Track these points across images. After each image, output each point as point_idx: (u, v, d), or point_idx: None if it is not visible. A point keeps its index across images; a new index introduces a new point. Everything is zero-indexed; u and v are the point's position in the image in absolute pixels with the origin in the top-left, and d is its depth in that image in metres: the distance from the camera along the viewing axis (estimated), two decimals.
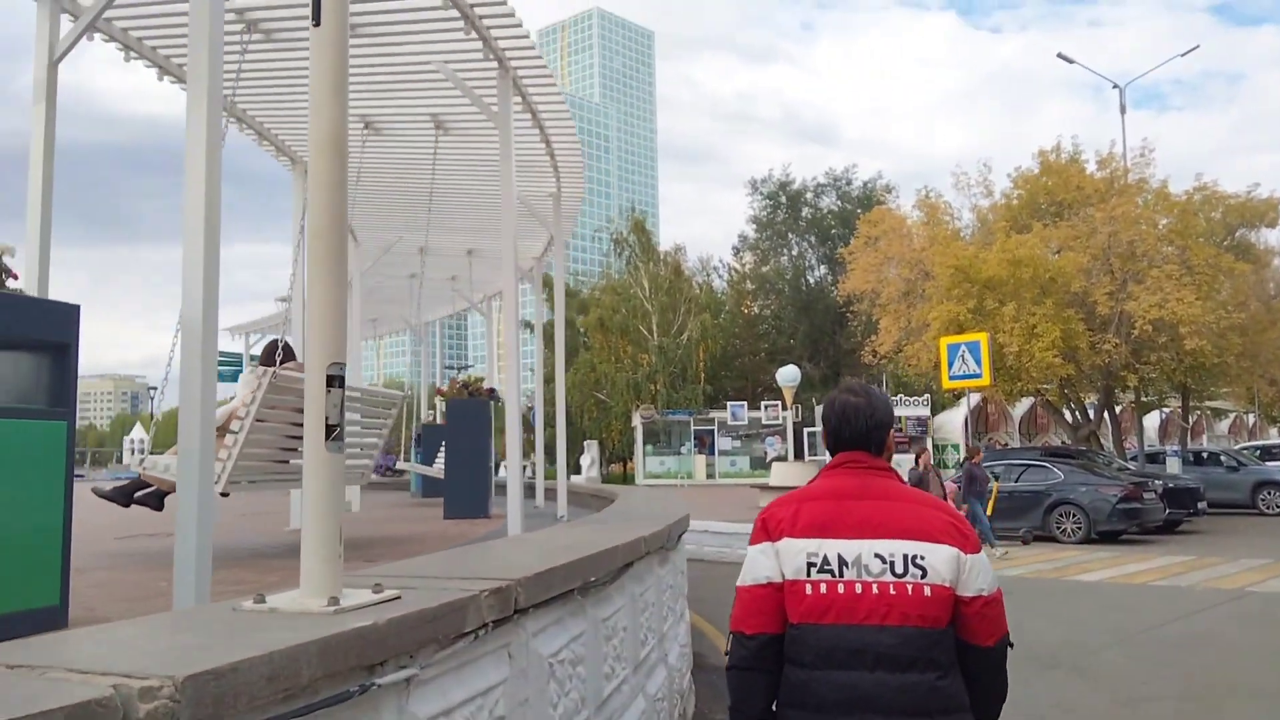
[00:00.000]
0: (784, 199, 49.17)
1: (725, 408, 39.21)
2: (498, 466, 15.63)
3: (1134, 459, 25.67)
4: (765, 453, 39.29)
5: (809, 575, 2.14)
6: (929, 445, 32.39)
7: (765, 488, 23.34)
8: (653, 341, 40.93)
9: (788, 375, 40.02)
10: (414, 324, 22.05)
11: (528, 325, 47.73)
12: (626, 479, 40.66)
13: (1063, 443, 28.91)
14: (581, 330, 42.48)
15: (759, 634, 2.20)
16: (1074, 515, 17.16)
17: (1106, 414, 26.06)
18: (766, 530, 2.24)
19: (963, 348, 17.76)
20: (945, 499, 14.61)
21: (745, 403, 39.70)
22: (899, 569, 2.11)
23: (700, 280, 49.14)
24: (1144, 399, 27.51)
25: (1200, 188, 24.16)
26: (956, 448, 39.65)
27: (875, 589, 2.10)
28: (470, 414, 13.33)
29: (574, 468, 43.21)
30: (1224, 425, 50.62)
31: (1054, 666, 7.43)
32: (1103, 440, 28.27)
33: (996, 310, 20.45)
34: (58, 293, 6.76)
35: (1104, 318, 21.45)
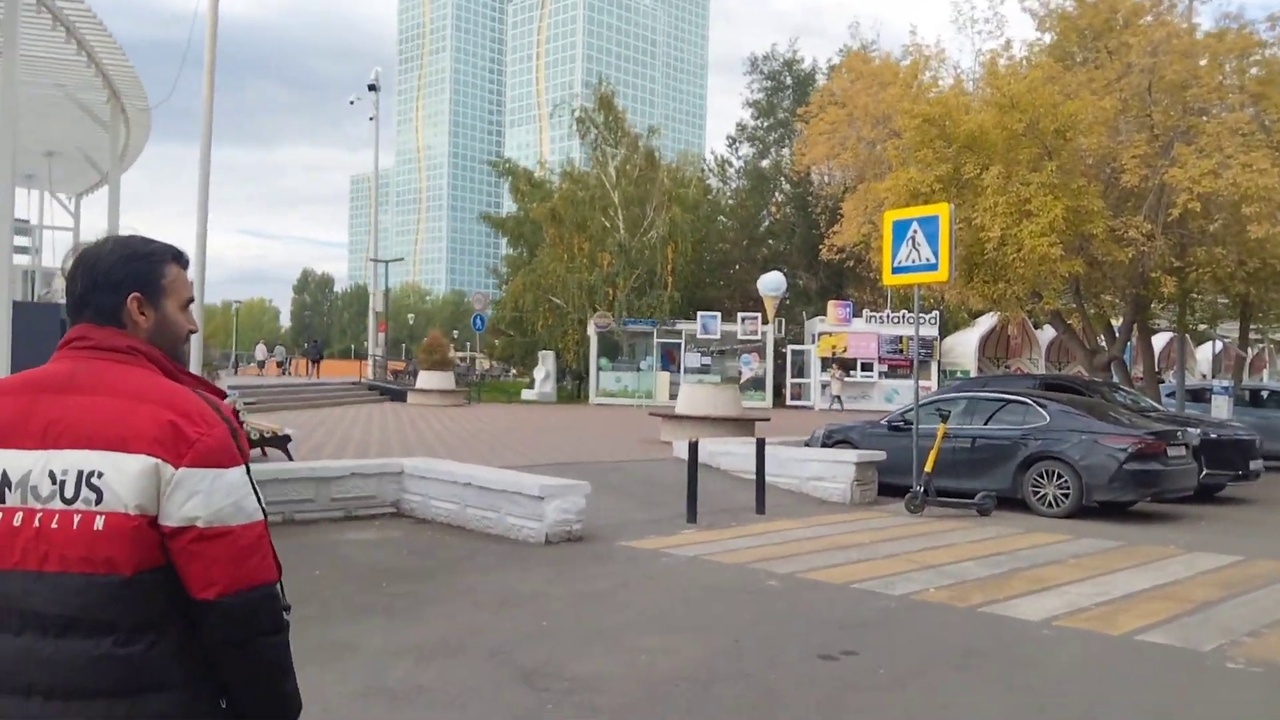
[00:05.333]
0: (789, 80, 42.44)
1: (696, 318, 33.53)
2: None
3: (1171, 396, 19.72)
4: (739, 372, 33.71)
5: None
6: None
7: (664, 416, 17.91)
8: (616, 238, 35.05)
9: (770, 283, 34.13)
10: None
11: (487, 219, 42.14)
12: (581, 397, 35.33)
13: (1078, 374, 22.88)
14: (540, 225, 36.68)
15: None
16: (1059, 476, 11.52)
17: (1136, 334, 19.85)
18: None
19: (914, 226, 11.98)
20: None
21: (719, 314, 33.97)
22: (69, 492, 1.53)
23: (691, 173, 42.88)
24: (1190, 319, 21.19)
25: None
26: (965, 373, 33.74)
27: (38, 520, 1.53)
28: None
29: (529, 382, 38.18)
30: None
31: None
32: (1131, 373, 22.21)
33: (976, 180, 14.38)
34: None
35: (1133, 192, 15.24)
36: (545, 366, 35.23)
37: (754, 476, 11.43)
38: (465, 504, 9.72)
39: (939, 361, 34.59)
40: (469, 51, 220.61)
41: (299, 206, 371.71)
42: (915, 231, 11.89)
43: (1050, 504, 11.49)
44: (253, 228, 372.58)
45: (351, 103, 41.29)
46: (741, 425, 16.60)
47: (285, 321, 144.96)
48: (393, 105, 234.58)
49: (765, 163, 42.92)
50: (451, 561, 8.03)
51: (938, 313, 34.04)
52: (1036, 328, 37.38)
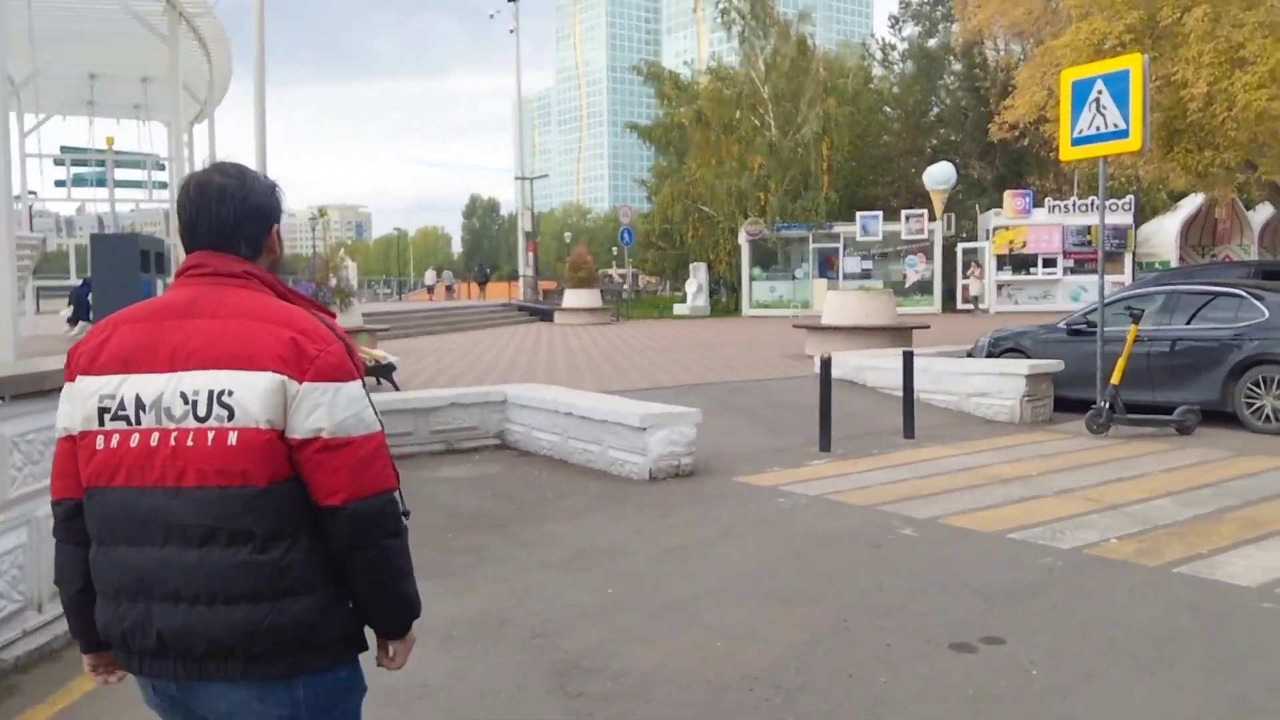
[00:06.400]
0: None
1: (855, 220, 31.33)
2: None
3: None
4: (904, 275, 31.41)
5: (102, 424, 1.68)
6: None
7: (809, 327, 16.38)
8: (767, 138, 32.92)
9: (938, 175, 31.33)
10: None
11: (634, 127, 40.74)
12: (735, 309, 33.92)
13: None
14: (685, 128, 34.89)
15: (64, 499, 1.77)
16: None
17: None
18: (68, 367, 1.76)
19: (1097, 85, 9.95)
20: None
21: (880, 214, 31.60)
22: (202, 411, 1.63)
23: (850, 62, 39.85)
24: None
25: None
26: (1165, 265, 30.17)
27: (174, 439, 1.64)
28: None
29: (680, 296, 37.01)
30: None
31: None
32: None
33: (1176, 26, 11.85)
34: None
35: None
36: (697, 279, 33.99)
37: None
38: (567, 435, 8.75)
39: (1133, 253, 31.09)
40: None
41: (468, 134, 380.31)
42: (1100, 92, 9.86)
43: (1269, 418, 9.48)
44: (426, 158, 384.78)
45: (491, 16, 40.49)
46: (897, 335, 14.95)
47: (457, 247, 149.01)
48: (550, 24, 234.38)
49: (932, 42, 39.33)
50: (536, 505, 7.07)
51: (1131, 197, 30.46)
52: (1248, 207, 32.93)
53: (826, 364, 9.23)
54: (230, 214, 1.75)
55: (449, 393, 9.80)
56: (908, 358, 10.05)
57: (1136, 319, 9.74)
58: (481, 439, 9.37)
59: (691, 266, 34.29)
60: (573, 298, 28.99)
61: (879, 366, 11.92)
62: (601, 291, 31.64)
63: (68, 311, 15.46)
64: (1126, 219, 29.91)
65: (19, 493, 4.09)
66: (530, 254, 37.65)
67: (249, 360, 1.63)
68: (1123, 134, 9.78)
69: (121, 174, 19.75)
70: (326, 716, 1.76)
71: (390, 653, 1.84)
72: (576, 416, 8.63)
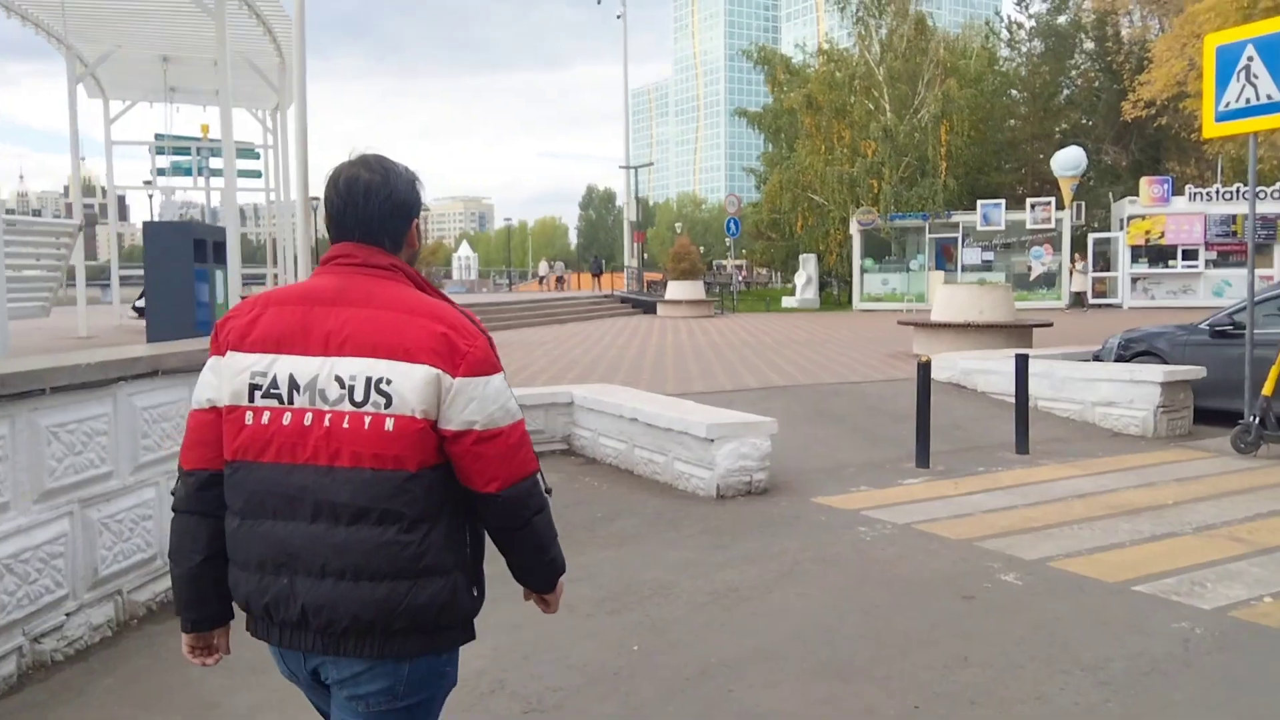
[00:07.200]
0: None
1: (976, 208, 29.56)
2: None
3: None
4: (1029, 267, 29.49)
5: (252, 400, 1.76)
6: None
7: (917, 324, 15.15)
8: (882, 122, 31.34)
9: (1066, 160, 29.24)
10: None
11: (743, 113, 39.53)
12: (847, 302, 32.53)
13: None
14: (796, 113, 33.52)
15: (198, 469, 1.83)
16: None
17: None
18: (216, 341, 1.84)
19: (1248, 51, 8.62)
20: None
21: (1002, 202, 29.73)
22: (359, 396, 1.71)
23: (975, 44, 37.74)
24: None
25: None
26: None
27: (328, 421, 1.72)
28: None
29: (789, 289, 35.76)
30: None
31: None
32: None
33: None
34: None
35: None
36: (806, 271, 32.73)
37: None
38: (634, 443, 8.01)
39: None
40: None
41: (591, 125, 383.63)
42: (1250, 59, 8.54)
43: None
44: (550, 149, 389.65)
45: (599, 1, 39.91)
46: (1015, 333, 13.64)
47: (574, 238, 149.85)
48: (669, 14, 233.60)
49: (1063, 19, 36.92)
50: (584, 527, 6.32)
51: None
52: None
53: (925, 368, 8.19)
54: (376, 210, 1.80)
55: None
56: (1021, 360, 8.91)
57: None
58: (547, 444, 8.71)
59: (801, 258, 33.05)
60: (675, 289, 28.21)
61: (990, 369, 10.76)
62: (707, 283, 30.74)
63: (140, 303, 15.74)
64: (1277, 208, 27.32)
65: (59, 484, 4.10)
66: (637, 244, 36.99)
67: (405, 352, 1.70)
68: (1277, 106, 8.44)
69: (217, 163, 19.85)
70: (417, 695, 1.81)
71: (546, 601, 2.02)
72: (642, 423, 7.87)
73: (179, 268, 9.32)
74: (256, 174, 19.97)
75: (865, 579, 5.13)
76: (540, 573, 1.95)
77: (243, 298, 6.46)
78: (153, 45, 14.98)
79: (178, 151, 19.87)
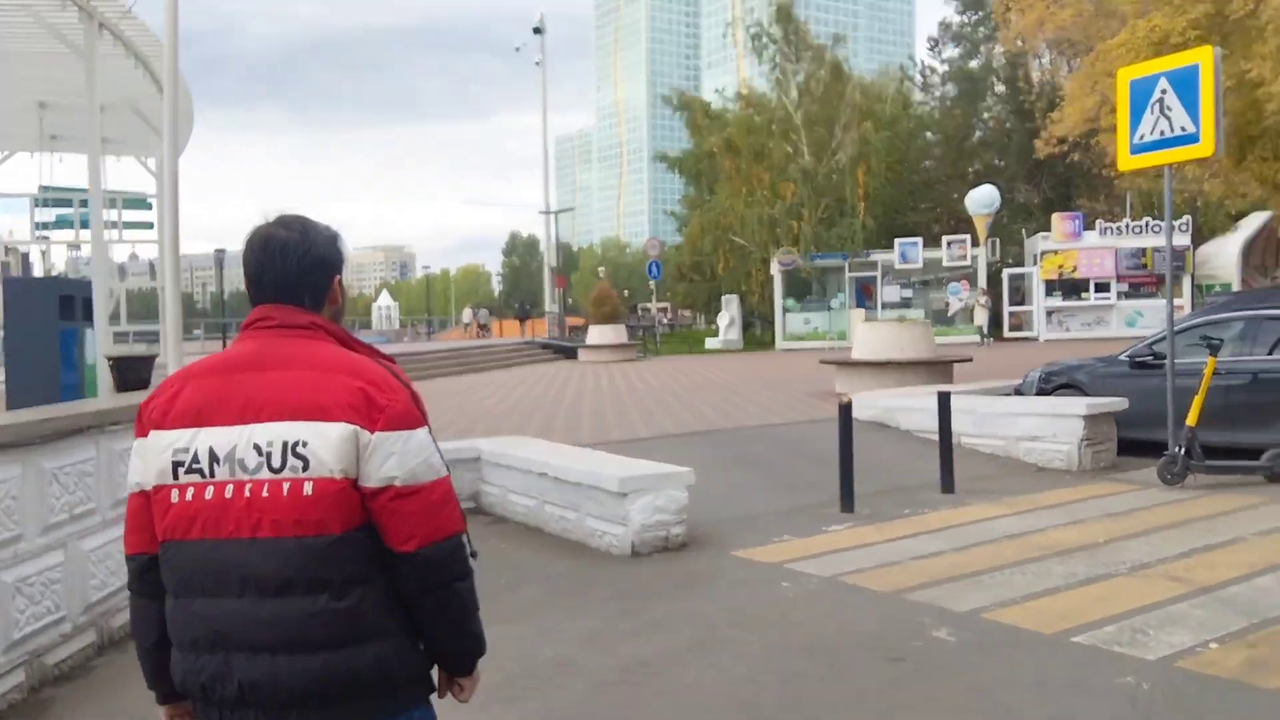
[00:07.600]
0: None
1: (894, 247, 29.87)
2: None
3: None
4: (946, 303, 29.84)
5: (176, 478, 1.70)
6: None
7: (838, 363, 14.96)
8: (800, 164, 31.62)
9: (980, 199, 29.79)
10: None
11: (663, 157, 39.58)
12: (769, 343, 32.52)
13: None
14: (714, 156, 33.68)
15: (138, 554, 1.78)
16: None
17: None
18: (140, 422, 1.78)
19: (1160, 84, 8.57)
20: None
21: (919, 240, 30.12)
22: (276, 462, 1.66)
23: (889, 88, 38.45)
24: None
25: None
26: (1226, 288, 28.28)
27: (248, 490, 1.66)
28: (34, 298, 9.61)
29: (712, 330, 35.64)
30: None
31: None
32: None
33: (1250, 18, 10.38)
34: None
35: None
36: (729, 312, 32.69)
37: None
38: (544, 499, 7.49)
39: (1192, 275, 29.24)
40: None
41: (513, 173, 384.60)
42: (1164, 91, 8.47)
43: None
44: (474, 197, 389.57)
45: (517, 49, 39.88)
46: (936, 370, 13.52)
47: (498, 285, 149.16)
48: (592, 66, 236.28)
49: (974, 63, 37.90)
50: (489, 595, 5.63)
51: (1188, 217, 28.68)
52: None
53: (846, 409, 7.86)
54: (294, 266, 1.77)
55: None
56: (943, 398, 8.64)
57: (1214, 350, 8.25)
58: None
59: (724, 299, 33.01)
60: (596, 334, 27.82)
61: (913, 407, 10.52)
62: (629, 327, 30.45)
63: None
64: (1184, 240, 28.14)
65: (56, 519, 4.49)
66: (559, 290, 36.58)
67: (321, 410, 1.65)
68: (1191, 138, 8.38)
69: (123, 215, 18.86)
70: None
71: (461, 686, 1.86)
72: (552, 478, 7.36)
73: (41, 329, 8.57)
74: (148, 225, 19.03)
75: (787, 644, 4.69)
76: (457, 649, 1.82)
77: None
78: (29, 90, 14.11)
79: (59, 204, 18.85)
